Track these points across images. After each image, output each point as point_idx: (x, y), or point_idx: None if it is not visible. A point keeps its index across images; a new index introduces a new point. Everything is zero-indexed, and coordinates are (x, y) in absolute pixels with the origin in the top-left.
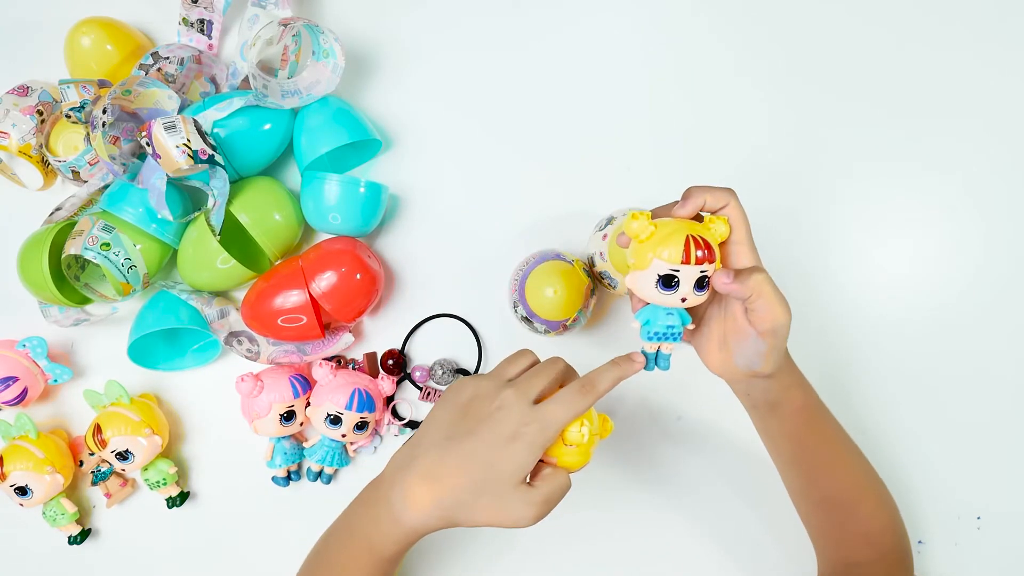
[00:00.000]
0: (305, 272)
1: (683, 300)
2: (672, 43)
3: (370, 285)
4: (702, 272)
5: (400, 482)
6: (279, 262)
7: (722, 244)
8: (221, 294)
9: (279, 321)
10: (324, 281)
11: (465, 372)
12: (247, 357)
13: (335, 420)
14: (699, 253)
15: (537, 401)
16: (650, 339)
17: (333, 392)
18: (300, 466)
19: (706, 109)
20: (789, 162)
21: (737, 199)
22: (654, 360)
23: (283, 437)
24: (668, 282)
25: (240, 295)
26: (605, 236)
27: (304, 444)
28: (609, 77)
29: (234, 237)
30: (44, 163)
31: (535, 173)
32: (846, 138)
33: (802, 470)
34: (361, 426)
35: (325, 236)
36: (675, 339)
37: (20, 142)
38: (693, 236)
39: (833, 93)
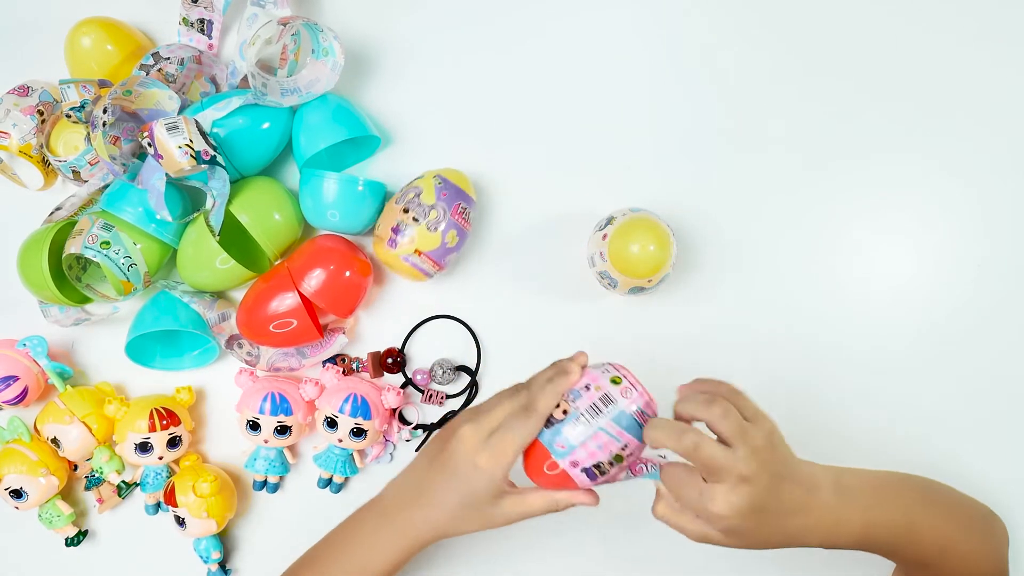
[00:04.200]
0: (292, 274)
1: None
2: (672, 42)
3: (361, 276)
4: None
5: (401, 507)
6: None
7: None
8: (221, 294)
9: (271, 327)
10: (314, 279)
11: (466, 369)
12: (247, 362)
13: (331, 423)
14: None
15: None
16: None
17: (331, 395)
18: (282, 480)
19: (705, 108)
20: (790, 161)
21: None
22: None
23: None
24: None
25: (240, 295)
26: (605, 236)
27: (302, 453)
28: (609, 77)
29: (234, 237)
30: (44, 163)
31: (534, 172)
32: (848, 138)
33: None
34: (358, 433)
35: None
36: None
37: (20, 142)
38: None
39: (834, 94)
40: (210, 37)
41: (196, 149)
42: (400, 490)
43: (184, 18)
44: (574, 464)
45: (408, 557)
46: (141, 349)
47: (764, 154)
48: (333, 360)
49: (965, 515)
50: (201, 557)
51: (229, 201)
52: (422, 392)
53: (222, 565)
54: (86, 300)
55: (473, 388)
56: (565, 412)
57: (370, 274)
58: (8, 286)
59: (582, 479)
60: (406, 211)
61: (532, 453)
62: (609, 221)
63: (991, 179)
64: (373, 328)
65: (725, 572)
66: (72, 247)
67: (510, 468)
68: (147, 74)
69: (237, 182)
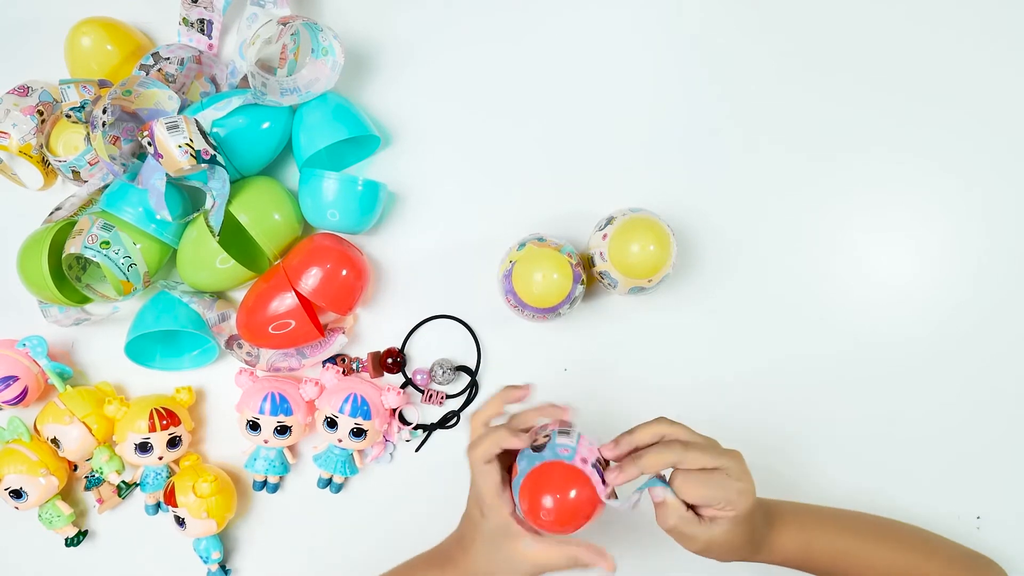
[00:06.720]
0: (289, 273)
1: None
2: (671, 41)
3: (358, 269)
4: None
5: (449, 556)
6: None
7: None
8: (221, 295)
9: (269, 329)
10: (311, 278)
11: (466, 369)
12: (246, 362)
13: (331, 423)
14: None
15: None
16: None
17: (331, 395)
18: (282, 480)
19: (705, 107)
20: (790, 160)
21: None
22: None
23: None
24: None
25: (240, 295)
26: (605, 236)
27: (302, 453)
28: (609, 76)
29: (233, 237)
30: (44, 163)
31: (535, 172)
32: (848, 138)
33: None
34: (358, 433)
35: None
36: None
37: (20, 142)
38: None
39: (834, 93)
40: (210, 37)
41: (196, 148)
42: (450, 543)
43: (184, 18)
44: (584, 461)
45: None
46: (141, 349)
47: (764, 153)
48: (333, 360)
49: (929, 550)
50: (201, 557)
51: (229, 201)
52: (422, 392)
53: (222, 565)
54: (86, 300)
55: (473, 388)
56: (547, 437)
57: (363, 268)
58: (8, 286)
59: (596, 476)
60: None
61: (542, 477)
62: (609, 221)
63: (992, 178)
64: (373, 328)
65: None
66: (72, 247)
67: (497, 490)
68: (147, 74)
69: (237, 182)
